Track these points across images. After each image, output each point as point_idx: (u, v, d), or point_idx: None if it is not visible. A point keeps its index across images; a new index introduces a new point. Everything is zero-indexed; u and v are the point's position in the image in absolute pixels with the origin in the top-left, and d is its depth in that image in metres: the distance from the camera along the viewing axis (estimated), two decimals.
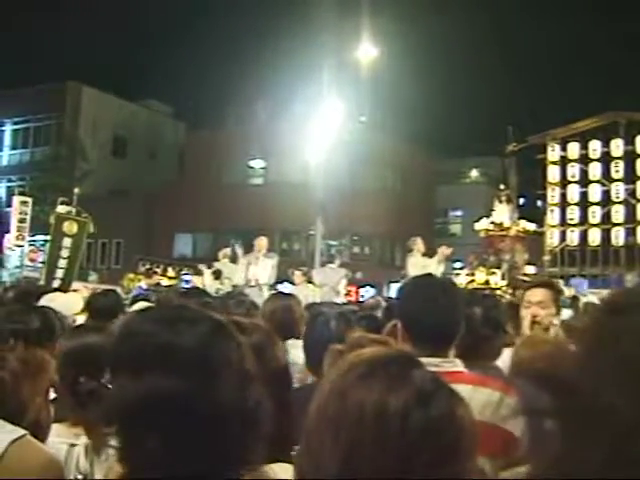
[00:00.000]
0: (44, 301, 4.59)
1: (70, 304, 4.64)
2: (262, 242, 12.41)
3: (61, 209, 11.77)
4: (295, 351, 3.34)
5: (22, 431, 1.77)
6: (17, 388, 2.00)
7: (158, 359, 1.26)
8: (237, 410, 1.26)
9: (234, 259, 13.18)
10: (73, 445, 2.18)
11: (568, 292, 12.38)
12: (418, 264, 11.60)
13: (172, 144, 37.22)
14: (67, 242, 11.29)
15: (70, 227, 11.34)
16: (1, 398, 1.93)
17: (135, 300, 7.16)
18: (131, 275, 17.99)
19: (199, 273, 14.20)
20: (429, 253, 12.25)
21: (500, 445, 2.12)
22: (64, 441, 2.20)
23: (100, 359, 2.09)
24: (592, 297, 12.41)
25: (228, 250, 13.71)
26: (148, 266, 19.27)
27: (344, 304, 8.43)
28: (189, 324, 1.30)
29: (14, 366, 2.05)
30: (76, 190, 12.47)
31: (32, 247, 17.04)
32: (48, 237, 12.42)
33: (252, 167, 32.55)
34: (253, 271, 12.03)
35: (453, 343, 2.37)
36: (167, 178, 35.29)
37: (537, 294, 3.79)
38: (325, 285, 12.84)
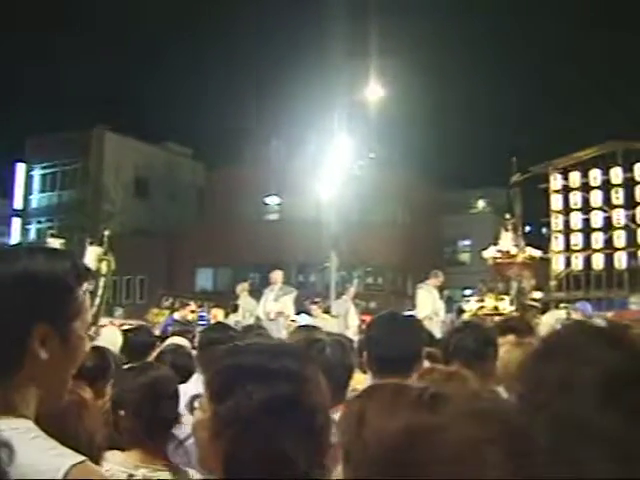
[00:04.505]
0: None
1: (112, 339, 4.95)
2: (277, 275, 12.66)
3: (96, 250, 12.09)
4: None
5: (82, 457, 1.80)
6: (78, 420, 2.07)
7: (268, 376, 1.45)
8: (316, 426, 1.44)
9: (253, 293, 13.40)
10: (131, 476, 2.26)
11: (575, 316, 12.78)
12: (430, 297, 12.02)
13: (191, 183, 37.80)
14: (101, 281, 11.69)
15: (103, 267, 11.81)
16: (65, 426, 2.02)
17: (170, 334, 7.40)
18: (155, 310, 18.18)
19: (219, 306, 14.51)
20: (441, 285, 12.88)
21: None
22: (124, 470, 2.29)
23: (173, 393, 2.59)
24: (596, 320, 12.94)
25: (246, 284, 13.87)
26: (171, 300, 19.71)
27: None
28: (286, 356, 1.53)
29: (76, 398, 2.13)
30: (107, 232, 12.71)
31: None
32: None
33: (267, 204, 33.19)
34: (271, 305, 12.17)
35: (412, 372, 2.55)
36: (187, 216, 35.84)
37: (504, 345, 3.23)
38: (339, 316, 13.17)
